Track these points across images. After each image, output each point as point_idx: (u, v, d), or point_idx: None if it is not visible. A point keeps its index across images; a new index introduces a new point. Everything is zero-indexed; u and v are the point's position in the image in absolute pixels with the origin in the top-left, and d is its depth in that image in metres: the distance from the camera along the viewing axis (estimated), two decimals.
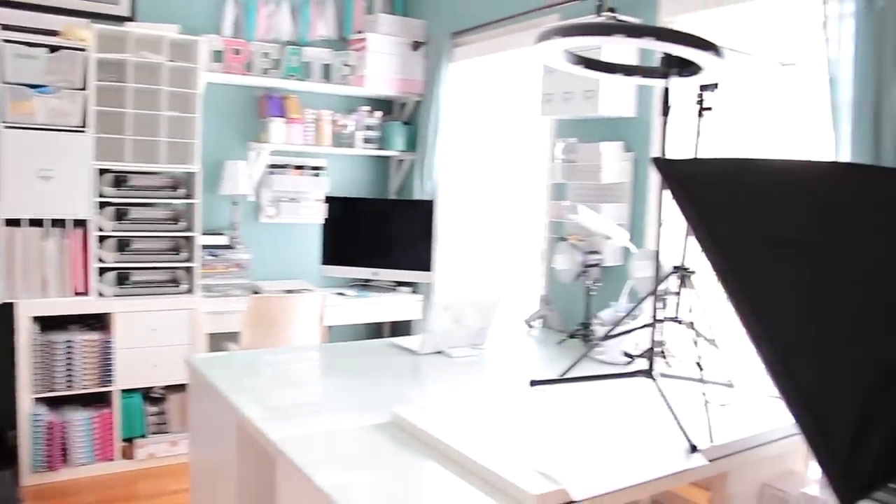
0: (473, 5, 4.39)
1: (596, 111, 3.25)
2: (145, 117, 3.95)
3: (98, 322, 3.96)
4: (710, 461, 1.94)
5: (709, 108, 2.42)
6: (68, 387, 3.80)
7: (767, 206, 1.13)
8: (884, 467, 1.06)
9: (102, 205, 3.92)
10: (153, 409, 4.08)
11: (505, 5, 4.08)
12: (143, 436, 4.03)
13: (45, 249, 3.76)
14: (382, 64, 4.73)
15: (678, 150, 2.91)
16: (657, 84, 2.82)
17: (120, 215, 3.93)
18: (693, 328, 2.43)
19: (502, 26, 4.11)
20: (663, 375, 2.34)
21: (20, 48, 3.67)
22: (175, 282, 4.10)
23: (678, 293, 2.50)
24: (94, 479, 3.84)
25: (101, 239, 3.92)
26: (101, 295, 3.90)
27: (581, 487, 1.65)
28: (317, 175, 4.93)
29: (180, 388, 3.99)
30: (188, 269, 4.13)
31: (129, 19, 4.19)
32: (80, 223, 3.85)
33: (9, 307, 3.67)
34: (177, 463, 4.02)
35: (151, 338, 3.95)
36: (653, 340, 2.33)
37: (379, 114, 5.00)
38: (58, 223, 3.81)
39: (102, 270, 3.92)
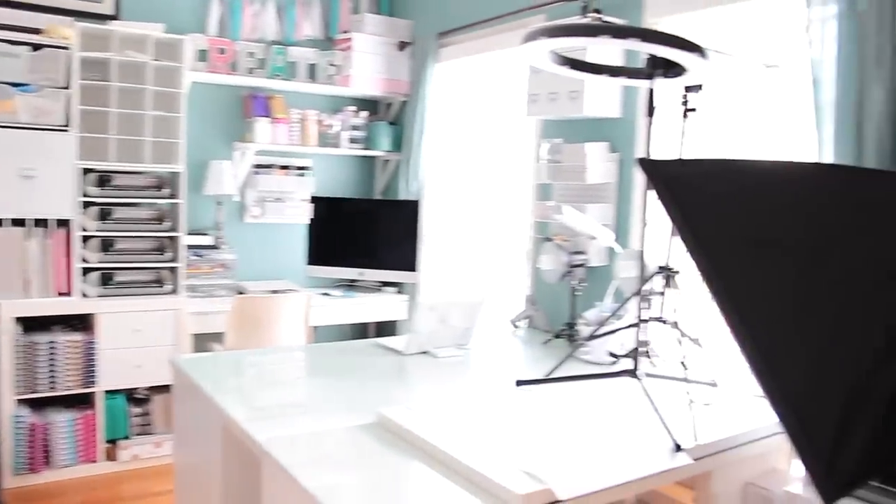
0: (459, 6, 4.40)
1: (581, 112, 3.26)
2: (129, 117, 3.93)
3: (81, 323, 3.93)
4: (695, 460, 1.95)
5: (693, 109, 2.44)
6: (51, 388, 3.77)
7: (751, 206, 1.14)
8: (865, 465, 1.07)
9: (86, 204, 3.89)
10: (137, 410, 4.06)
11: (491, 6, 4.08)
12: (126, 437, 4.01)
13: (27, 249, 3.73)
14: (368, 64, 4.73)
15: (663, 150, 2.92)
16: (642, 85, 2.83)
17: (104, 215, 3.91)
18: (677, 328, 2.44)
19: (488, 27, 4.11)
20: (648, 375, 2.35)
21: (2, 46, 3.64)
22: (159, 282, 4.07)
23: (663, 293, 2.51)
24: (78, 481, 3.81)
25: (85, 239, 3.89)
26: (84, 295, 3.88)
27: (566, 487, 1.65)
28: (302, 175, 4.92)
29: (164, 388, 3.96)
30: (172, 270, 4.11)
31: (113, 18, 4.17)
32: (63, 223, 3.82)
33: None
34: (161, 464, 4.00)
35: (135, 338, 3.93)
36: (638, 340, 2.34)
37: (364, 114, 5.00)
38: (41, 223, 3.78)
39: (86, 271, 3.90)
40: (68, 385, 3.81)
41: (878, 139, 2.27)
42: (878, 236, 1.03)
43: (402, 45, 4.85)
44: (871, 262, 1.04)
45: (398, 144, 4.98)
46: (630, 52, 3.14)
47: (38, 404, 3.80)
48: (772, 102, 2.84)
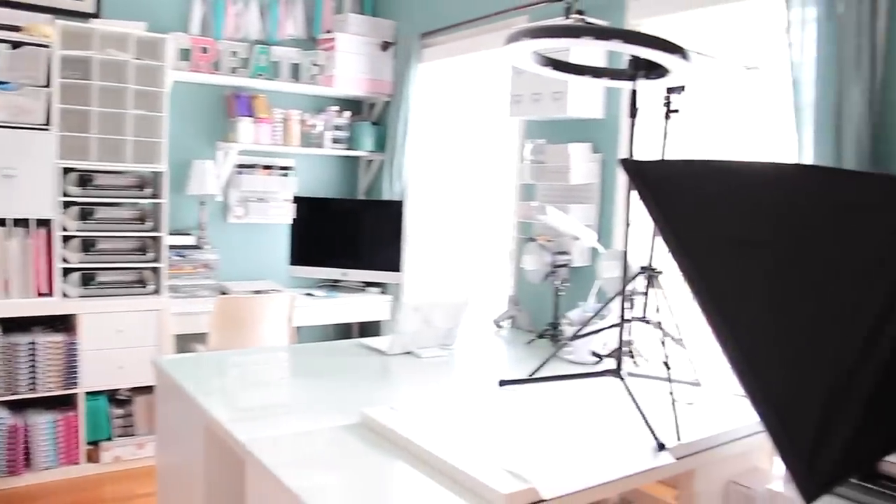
0: (443, 6, 4.40)
1: (564, 112, 3.27)
2: (111, 116, 3.90)
3: (62, 323, 3.90)
4: (678, 459, 1.96)
5: (676, 110, 2.46)
6: (31, 389, 3.73)
7: (732, 206, 1.15)
8: (846, 464, 1.08)
9: (67, 204, 3.86)
10: (119, 411, 4.03)
11: (474, 6, 4.09)
12: (108, 438, 3.98)
13: (7, 249, 3.69)
14: (351, 64, 4.72)
15: (646, 151, 2.94)
16: (625, 86, 2.85)
17: (85, 215, 3.88)
18: (660, 328, 2.46)
19: (471, 27, 4.12)
20: (631, 375, 2.37)
21: None
22: (141, 282, 4.05)
23: (646, 293, 2.53)
24: (59, 484, 3.78)
25: (66, 239, 3.87)
26: (65, 296, 3.85)
27: (550, 486, 1.66)
28: (285, 175, 4.90)
29: (147, 389, 3.94)
30: (155, 270, 4.09)
31: (94, 16, 4.14)
32: (43, 223, 3.79)
33: None
34: (143, 466, 3.98)
35: (117, 339, 3.90)
36: (621, 340, 2.35)
37: (348, 114, 4.99)
38: (21, 223, 3.75)
39: (67, 271, 3.87)
40: (49, 386, 3.77)
41: (856, 140, 2.29)
42: (856, 237, 1.04)
43: (386, 46, 4.85)
44: (849, 262, 1.05)
45: (381, 145, 4.98)
46: (613, 54, 3.16)
47: (18, 406, 3.77)
48: (753, 104, 2.86)
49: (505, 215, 4.04)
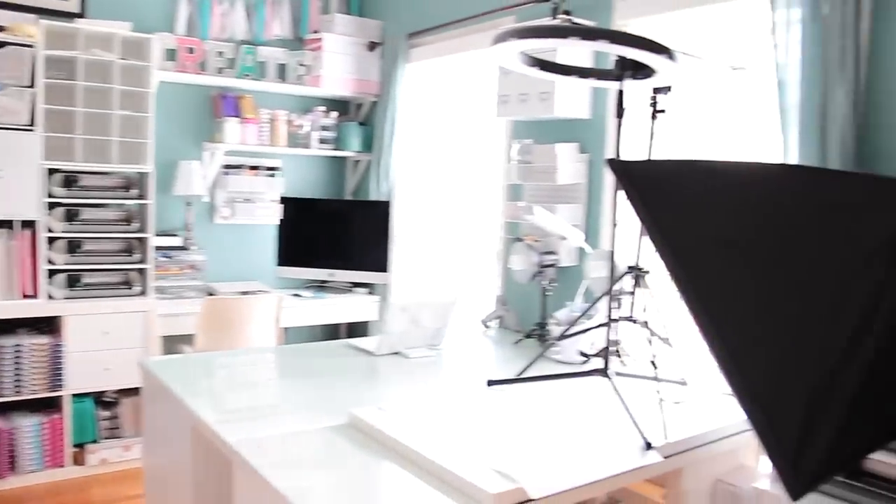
0: (430, 6, 4.40)
1: (551, 113, 3.28)
2: (96, 116, 3.88)
3: (48, 325, 3.87)
4: (665, 458, 1.97)
5: (662, 111, 2.47)
6: (17, 392, 3.70)
7: (718, 206, 1.16)
8: (831, 463, 1.09)
9: (52, 205, 3.84)
10: (105, 413, 4.01)
11: (461, 7, 4.09)
12: (95, 441, 3.96)
13: None
14: (338, 64, 4.71)
15: (632, 151, 2.95)
16: (612, 86, 2.86)
17: (70, 216, 3.85)
18: (647, 327, 2.47)
19: (458, 27, 4.12)
20: (618, 374, 2.38)
21: None
22: (128, 284, 4.03)
23: (633, 293, 2.54)
24: (45, 487, 3.76)
25: (51, 240, 3.84)
26: (50, 297, 3.82)
27: (538, 486, 1.66)
28: (272, 175, 4.89)
29: (133, 391, 3.92)
30: (141, 271, 4.06)
31: (79, 16, 4.11)
32: (28, 224, 3.76)
33: None
34: (130, 468, 3.96)
35: (103, 341, 3.88)
36: (608, 340, 2.35)
37: (335, 114, 4.98)
38: (5, 224, 3.71)
39: (52, 272, 3.84)
40: (34, 389, 3.74)
41: (841, 141, 2.31)
42: (840, 237, 1.05)
43: (373, 46, 4.85)
44: (834, 262, 1.05)
45: (369, 145, 4.97)
46: (600, 54, 3.17)
47: (2, 409, 3.74)
48: (739, 104, 2.88)
49: (492, 215, 4.05)
